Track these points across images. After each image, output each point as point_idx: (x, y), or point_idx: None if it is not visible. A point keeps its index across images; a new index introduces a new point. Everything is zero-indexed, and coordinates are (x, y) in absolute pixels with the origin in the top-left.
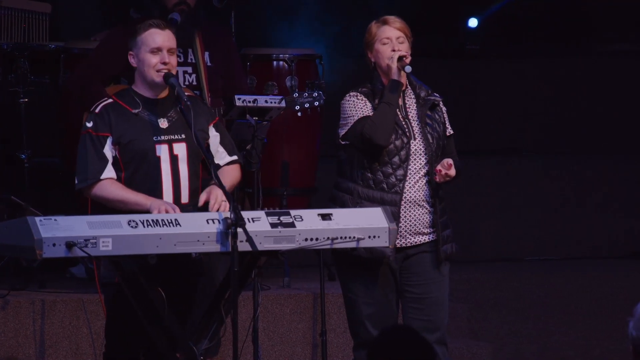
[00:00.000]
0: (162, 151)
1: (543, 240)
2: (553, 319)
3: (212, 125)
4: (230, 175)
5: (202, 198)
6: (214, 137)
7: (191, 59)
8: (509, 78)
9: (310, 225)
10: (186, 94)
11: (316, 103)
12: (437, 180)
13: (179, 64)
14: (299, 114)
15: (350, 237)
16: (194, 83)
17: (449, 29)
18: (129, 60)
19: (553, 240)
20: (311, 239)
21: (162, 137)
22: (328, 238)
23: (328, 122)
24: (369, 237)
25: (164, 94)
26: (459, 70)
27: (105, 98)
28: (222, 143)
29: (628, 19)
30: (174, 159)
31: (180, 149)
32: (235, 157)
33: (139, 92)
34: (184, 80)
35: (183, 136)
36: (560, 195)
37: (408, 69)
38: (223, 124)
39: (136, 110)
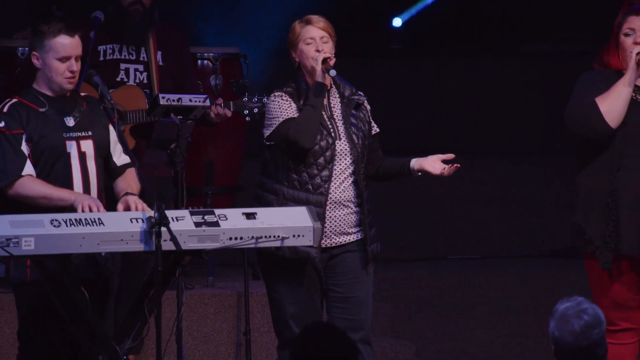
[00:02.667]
0: (72, 148)
1: (465, 239)
2: (475, 318)
3: (109, 124)
4: (136, 182)
5: (120, 208)
6: (112, 134)
7: (143, 57)
8: (432, 77)
9: (234, 224)
10: (82, 94)
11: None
12: (448, 174)
13: (131, 62)
14: (248, 118)
15: (274, 236)
16: (145, 81)
17: (374, 29)
18: (31, 59)
19: (475, 240)
20: (235, 238)
21: (71, 134)
22: (252, 237)
23: (253, 121)
24: (294, 236)
25: (67, 92)
26: (384, 69)
27: (9, 98)
28: (120, 141)
29: (549, 20)
30: (82, 156)
31: (88, 146)
32: (129, 160)
33: (42, 91)
34: (135, 78)
35: (90, 133)
36: (482, 195)
37: (332, 72)
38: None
39: (43, 109)
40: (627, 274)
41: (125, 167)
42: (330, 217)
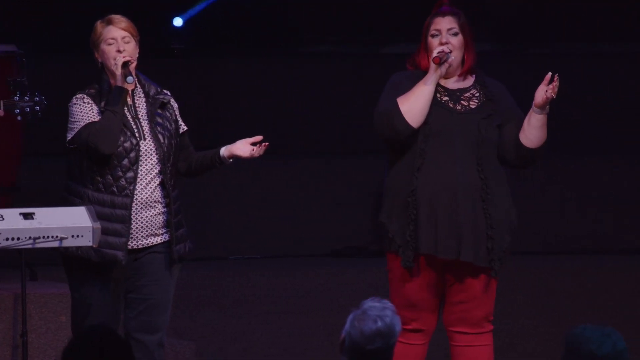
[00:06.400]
0: None
1: (246, 239)
2: (256, 318)
3: None
4: None
5: None
6: None
7: None
8: (214, 77)
9: (11, 224)
10: None
11: (37, 108)
12: (259, 155)
13: None
14: (19, 118)
15: (53, 237)
16: None
17: (154, 28)
18: None
19: (256, 240)
20: (12, 239)
21: None
22: (30, 237)
23: (36, 120)
24: (72, 236)
25: None
26: (165, 69)
27: None
28: None
29: (327, 21)
30: None
31: None
32: None
33: None
34: None
35: None
36: (263, 195)
37: (129, 80)
38: None
39: None
40: (425, 273)
41: None
42: (137, 218)
